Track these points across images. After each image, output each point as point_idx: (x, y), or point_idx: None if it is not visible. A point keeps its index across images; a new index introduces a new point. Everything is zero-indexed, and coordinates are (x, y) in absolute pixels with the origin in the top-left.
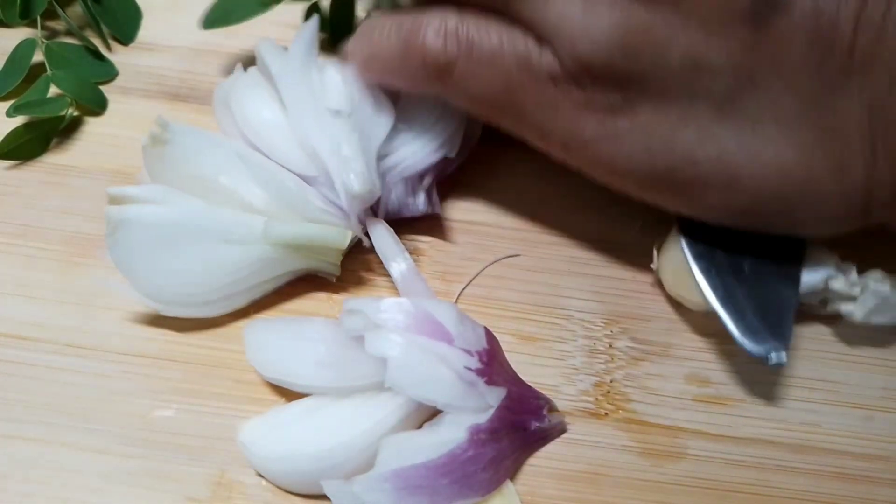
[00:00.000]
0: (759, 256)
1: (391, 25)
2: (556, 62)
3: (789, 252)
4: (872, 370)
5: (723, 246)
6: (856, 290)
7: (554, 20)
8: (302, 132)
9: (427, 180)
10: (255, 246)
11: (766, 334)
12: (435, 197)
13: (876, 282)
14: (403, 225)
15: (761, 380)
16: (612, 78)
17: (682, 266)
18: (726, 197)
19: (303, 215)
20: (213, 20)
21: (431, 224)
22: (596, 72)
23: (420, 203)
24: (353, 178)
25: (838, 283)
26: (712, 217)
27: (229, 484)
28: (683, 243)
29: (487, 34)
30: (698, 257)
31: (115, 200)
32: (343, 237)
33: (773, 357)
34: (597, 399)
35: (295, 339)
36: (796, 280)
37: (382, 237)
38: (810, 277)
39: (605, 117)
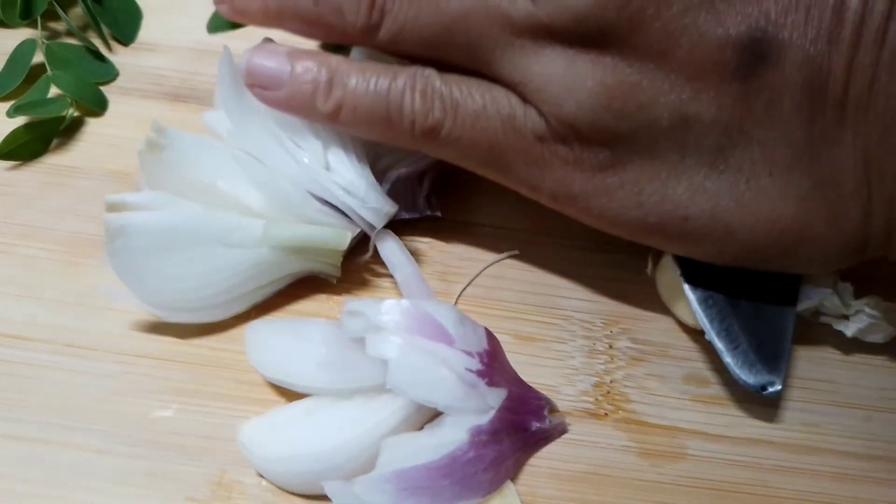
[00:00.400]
0: (756, 287)
1: (369, 79)
2: (541, 121)
3: (786, 283)
4: (871, 371)
5: (719, 277)
6: (850, 311)
7: (537, 81)
8: (285, 175)
9: (426, 182)
10: (255, 249)
11: (761, 366)
12: (434, 198)
13: (870, 307)
14: (403, 226)
15: None
16: (599, 136)
17: (679, 290)
18: (720, 246)
19: (301, 218)
20: (220, 24)
21: (431, 224)
22: (582, 131)
23: (419, 204)
24: (374, 217)
25: (833, 303)
26: (707, 260)
27: (229, 484)
28: (680, 274)
29: (471, 95)
30: (695, 288)
31: (113, 208)
32: (342, 238)
33: (769, 389)
34: (596, 399)
35: (296, 339)
36: (793, 311)
37: (387, 242)
38: (807, 296)
39: (594, 174)
